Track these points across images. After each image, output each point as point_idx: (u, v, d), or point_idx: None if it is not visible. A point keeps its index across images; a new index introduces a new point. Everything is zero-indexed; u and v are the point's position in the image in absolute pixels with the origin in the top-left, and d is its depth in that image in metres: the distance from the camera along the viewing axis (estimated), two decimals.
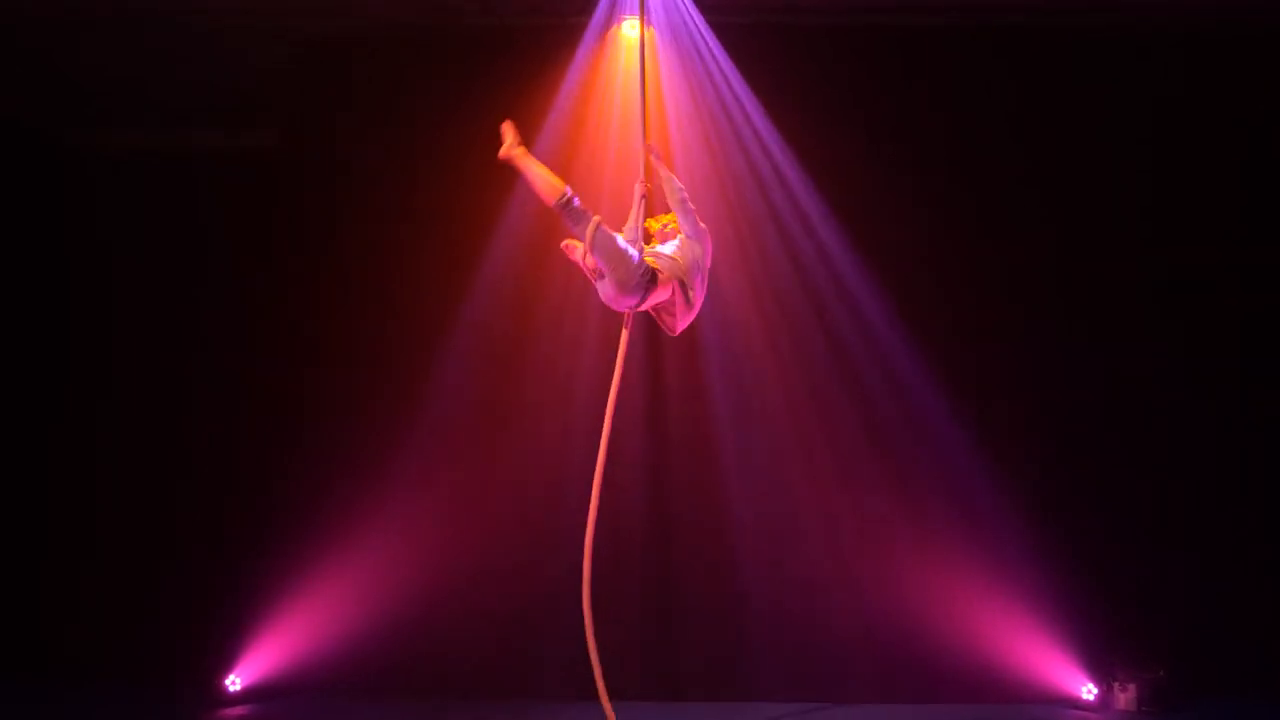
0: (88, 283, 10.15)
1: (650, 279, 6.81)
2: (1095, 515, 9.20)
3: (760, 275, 9.27)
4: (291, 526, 9.23)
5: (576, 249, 6.88)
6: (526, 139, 6.94)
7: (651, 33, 8.72)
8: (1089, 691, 9.01)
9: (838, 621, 9.12)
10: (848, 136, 9.26)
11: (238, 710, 8.88)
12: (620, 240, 6.79)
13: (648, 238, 7.32)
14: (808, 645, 9.13)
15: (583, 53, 8.98)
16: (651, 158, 7.28)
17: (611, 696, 7.36)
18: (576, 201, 6.73)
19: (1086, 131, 9.36)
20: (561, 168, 8.87)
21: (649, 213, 7.24)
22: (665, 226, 7.36)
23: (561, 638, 8.72)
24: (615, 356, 7.25)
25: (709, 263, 7.20)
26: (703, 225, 7.24)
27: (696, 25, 8.95)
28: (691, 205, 7.24)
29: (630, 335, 7.25)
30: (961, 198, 9.31)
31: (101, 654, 9.47)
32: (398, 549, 9.21)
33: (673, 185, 7.20)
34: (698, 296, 7.09)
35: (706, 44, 9.02)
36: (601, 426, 7.22)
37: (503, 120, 6.92)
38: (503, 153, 6.83)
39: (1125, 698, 8.83)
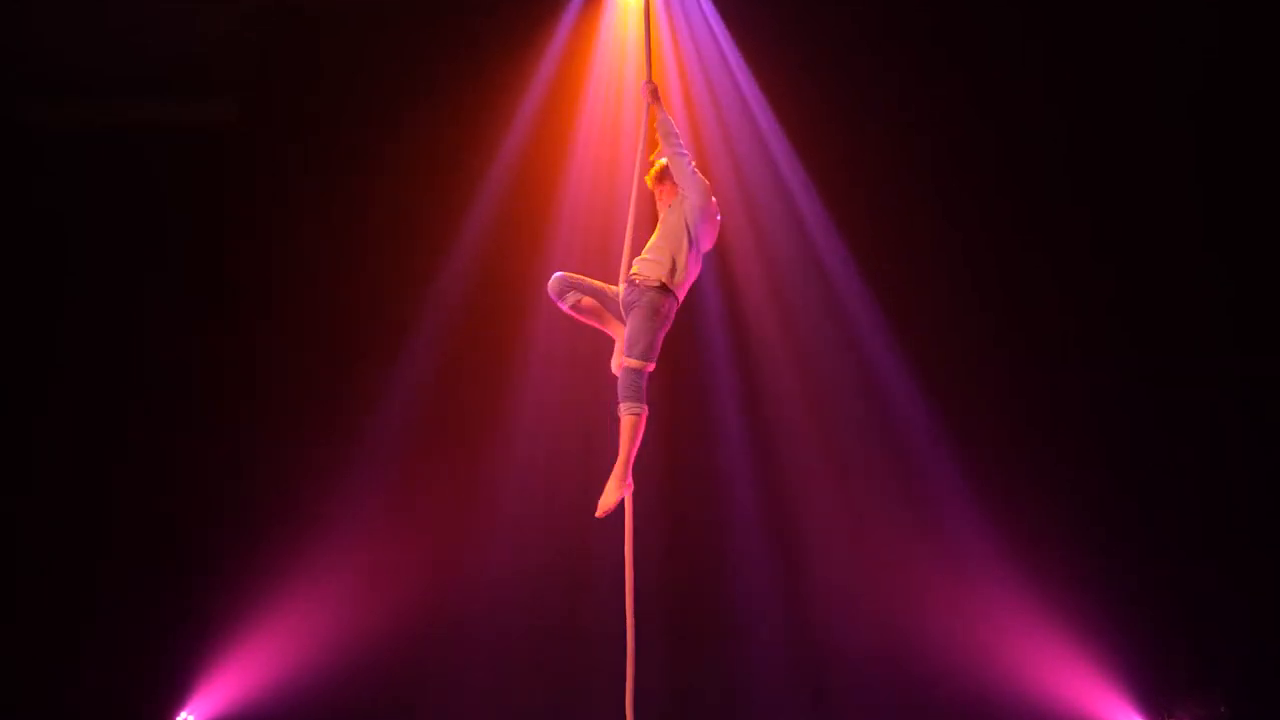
0: (23, 268, 9.50)
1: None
2: (1149, 536, 8.96)
3: (770, 257, 9.23)
4: (248, 550, 9.00)
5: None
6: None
7: None
8: None
9: (872, 653, 8.98)
10: (854, 106, 9.20)
11: None
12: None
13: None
14: (840, 676, 9.03)
15: (574, 15, 8.94)
16: (649, 97, 6.61)
17: None
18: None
19: (1100, 103, 9.22)
20: (550, 139, 8.94)
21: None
22: (662, 183, 6.58)
23: (549, 663, 8.91)
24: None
25: (702, 221, 6.38)
26: (695, 172, 6.44)
27: None
28: (685, 150, 6.47)
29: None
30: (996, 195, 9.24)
31: (36, 690, 8.91)
32: (359, 578, 9.07)
33: (667, 127, 6.45)
34: (689, 271, 6.39)
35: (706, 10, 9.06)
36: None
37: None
38: None
39: None
